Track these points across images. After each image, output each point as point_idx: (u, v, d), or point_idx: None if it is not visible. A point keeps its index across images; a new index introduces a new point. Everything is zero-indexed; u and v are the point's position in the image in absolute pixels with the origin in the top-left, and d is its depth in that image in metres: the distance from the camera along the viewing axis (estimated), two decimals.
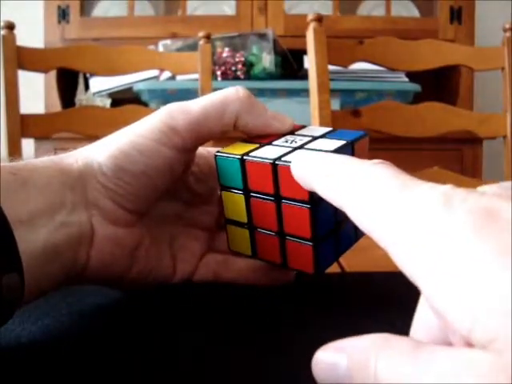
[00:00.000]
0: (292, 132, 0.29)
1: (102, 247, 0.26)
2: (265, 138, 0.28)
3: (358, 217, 0.17)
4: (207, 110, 0.27)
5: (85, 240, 0.26)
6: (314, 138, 0.28)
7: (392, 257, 0.16)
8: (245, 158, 0.26)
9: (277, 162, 0.25)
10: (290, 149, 0.26)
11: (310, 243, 0.26)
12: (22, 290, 0.22)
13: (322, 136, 0.28)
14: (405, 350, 0.14)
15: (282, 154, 0.26)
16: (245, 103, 0.28)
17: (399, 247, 0.15)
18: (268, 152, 0.26)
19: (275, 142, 0.28)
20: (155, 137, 0.26)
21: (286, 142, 0.28)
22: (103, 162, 0.26)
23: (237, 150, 0.27)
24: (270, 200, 0.26)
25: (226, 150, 0.28)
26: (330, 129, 0.29)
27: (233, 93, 0.28)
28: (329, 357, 0.17)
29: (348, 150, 0.27)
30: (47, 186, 0.25)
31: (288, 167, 0.24)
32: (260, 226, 0.28)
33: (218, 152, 0.28)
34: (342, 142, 0.27)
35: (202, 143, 0.28)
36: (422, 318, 0.18)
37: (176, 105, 0.27)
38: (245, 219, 0.28)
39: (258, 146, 0.28)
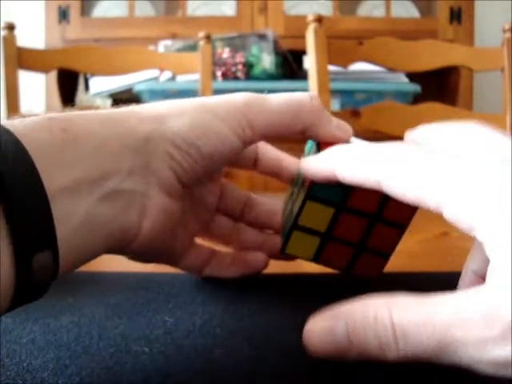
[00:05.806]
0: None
1: (155, 217, 0.25)
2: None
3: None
4: (283, 116, 0.27)
5: (136, 209, 0.24)
6: None
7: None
8: None
9: None
10: None
11: (387, 258, 0.29)
12: (55, 269, 0.20)
13: None
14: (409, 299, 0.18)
15: None
16: (316, 116, 0.28)
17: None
18: None
19: None
20: (232, 125, 0.26)
21: None
22: (179, 132, 0.25)
23: None
24: (365, 217, 0.27)
25: None
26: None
27: (307, 102, 0.28)
28: (324, 322, 0.19)
29: None
30: (102, 147, 0.22)
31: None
32: (338, 237, 0.28)
33: None
34: None
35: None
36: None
37: (255, 99, 0.27)
38: (323, 229, 0.28)
39: None
